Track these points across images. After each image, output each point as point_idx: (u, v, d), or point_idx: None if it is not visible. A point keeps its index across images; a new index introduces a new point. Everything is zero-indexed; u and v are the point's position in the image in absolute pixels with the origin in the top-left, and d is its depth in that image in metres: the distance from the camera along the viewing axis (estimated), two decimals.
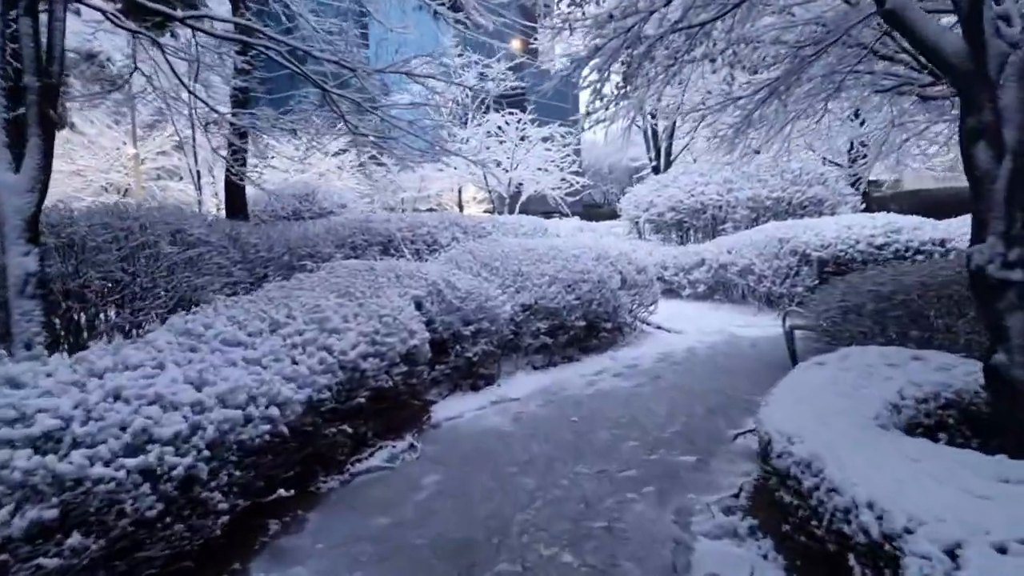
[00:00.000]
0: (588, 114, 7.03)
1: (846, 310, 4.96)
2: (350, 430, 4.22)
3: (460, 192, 27.04)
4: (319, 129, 7.50)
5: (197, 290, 6.06)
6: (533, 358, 7.09)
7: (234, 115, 7.98)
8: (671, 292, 10.97)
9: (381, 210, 21.82)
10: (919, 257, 8.93)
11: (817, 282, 9.01)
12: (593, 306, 7.46)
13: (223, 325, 4.17)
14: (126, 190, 20.07)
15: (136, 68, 6.59)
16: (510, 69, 24.20)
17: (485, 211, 25.89)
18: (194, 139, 10.63)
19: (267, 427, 3.31)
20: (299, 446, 3.79)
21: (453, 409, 5.63)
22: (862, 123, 9.00)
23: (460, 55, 24.75)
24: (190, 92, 6.42)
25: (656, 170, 17.59)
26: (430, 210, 24.98)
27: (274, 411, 3.41)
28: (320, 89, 5.78)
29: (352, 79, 6.02)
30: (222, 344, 3.89)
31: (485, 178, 21.06)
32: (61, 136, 21.02)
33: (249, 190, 11.17)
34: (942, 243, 9.11)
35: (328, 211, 13.05)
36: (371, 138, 6.41)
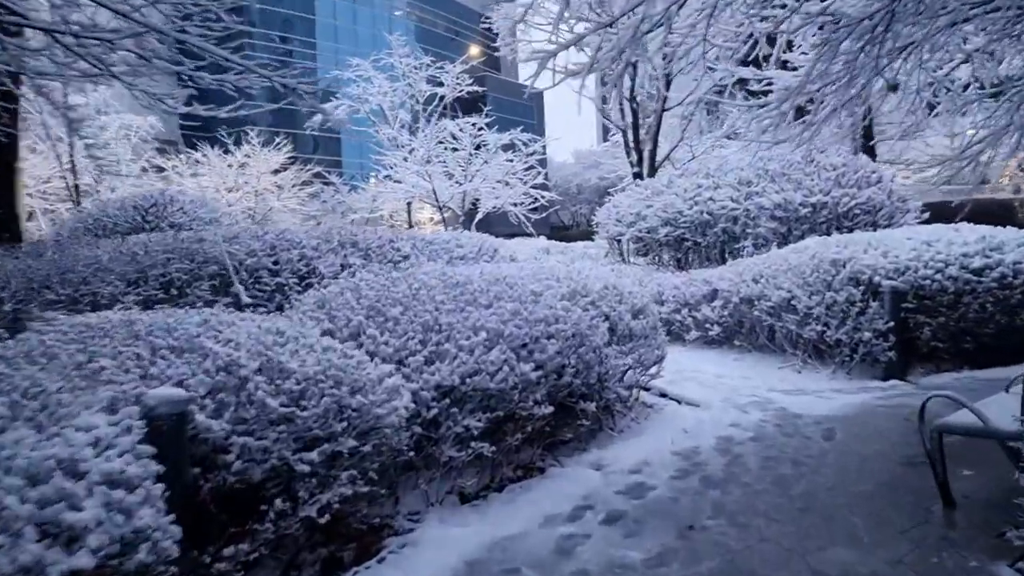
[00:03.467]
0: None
1: None
2: None
3: (409, 208, 23.86)
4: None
5: None
6: (460, 481, 3.97)
7: None
8: (671, 335, 7.96)
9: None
10: None
11: (892, 324, 6.11)
12: (566, 378, 4.39)
13: None
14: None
15: None
16: (466, 72, 21.43)
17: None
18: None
19: None
20: None
21: None
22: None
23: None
24: None
25: (639, 176, 14.77)
26: None
27: None
28: None
29: None
30: None
31: (435, 193, 17.92)
32: None
33: (86, 201, 7.86)
34: None
35: (182, 225, 9.74)
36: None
